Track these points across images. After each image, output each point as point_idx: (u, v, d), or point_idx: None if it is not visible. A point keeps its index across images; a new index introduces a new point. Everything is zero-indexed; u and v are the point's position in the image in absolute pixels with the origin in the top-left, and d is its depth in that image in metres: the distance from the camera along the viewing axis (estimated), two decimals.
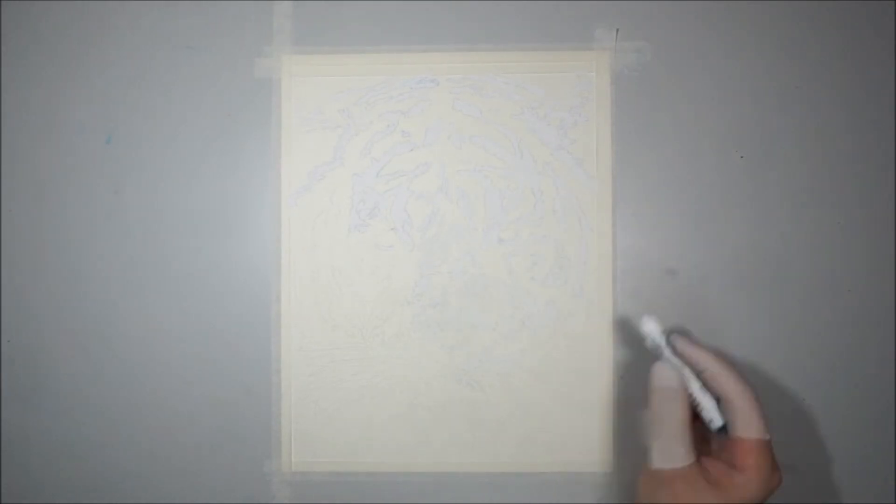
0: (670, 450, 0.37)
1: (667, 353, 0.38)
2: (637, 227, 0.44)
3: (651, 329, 0.39)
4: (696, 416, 0.37)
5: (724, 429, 0.37)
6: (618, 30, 0.45)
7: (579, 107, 0.44)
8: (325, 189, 0.44)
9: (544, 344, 0.44)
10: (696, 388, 0.37)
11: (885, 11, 0.44)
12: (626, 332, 0.44)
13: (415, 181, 0.44)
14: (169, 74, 0.45)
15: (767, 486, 0.36)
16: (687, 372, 0.38)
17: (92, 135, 0.45)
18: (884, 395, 0.44)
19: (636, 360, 0.44)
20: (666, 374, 0.38)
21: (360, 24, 0.45)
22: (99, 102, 0.45)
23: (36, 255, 0.45)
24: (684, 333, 0.39)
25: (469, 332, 0.44)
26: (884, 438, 0.44)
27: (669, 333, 0.39)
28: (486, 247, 0.44)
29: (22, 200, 0.45)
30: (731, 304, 0.44)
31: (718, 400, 0.37)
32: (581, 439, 0.44)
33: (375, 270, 0.44)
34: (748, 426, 0.36)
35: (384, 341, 0.44)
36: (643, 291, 0.44)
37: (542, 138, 0.44)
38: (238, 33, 0.45)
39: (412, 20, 0.45)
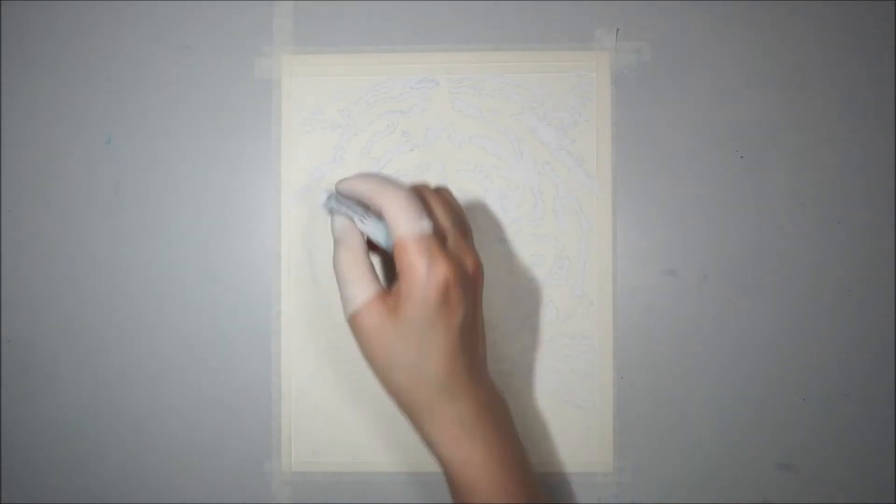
0: (346, 295, 0.35)
1: (334, 205, 0.36)
2: (637, 227, 0.44)
3: (322, 199, 0.36)
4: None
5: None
6: (618, 30, 0.45)
7: (579, 107, 0.44)
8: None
9: (544, 344, 0.44)
10: (363, 222, 0.35)
11: (885, 11, 0.44)
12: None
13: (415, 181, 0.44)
14: (169, 74, 0.45)
15: (432, 282, 0.32)
16: (356, 210, 0.35)
17: (92, 135, 0.45)
18: (884, 395, 0.44)
19: (636, 359, 0.44)
20: (335, 225, 0.36)
21: (361, 24, 0.45)
22: (99, 102, 0.45)
23: (36, 255, 0.45)
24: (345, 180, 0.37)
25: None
26: (884, 438, 0.44)
27: (332, 191, 0.37)
28: (486, 247, 0.44)
29: (22, 200, 0.45)
30: (731, 304, 0.44)
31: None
32: (581, 439, 0.44)
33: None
34: (397, 227, 0.33)
35: None
36: (643, 291, 0.44)
37: (542, 138, 0.44)
38: (238, 33, 0.45)
39: (412, 20, 0.45)
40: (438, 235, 0.34)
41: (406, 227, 0.33)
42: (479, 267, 0.35)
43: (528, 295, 0.44)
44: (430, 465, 0.44)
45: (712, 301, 0.44)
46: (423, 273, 0.32)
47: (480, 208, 0.44)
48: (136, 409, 0.45)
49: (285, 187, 0.44)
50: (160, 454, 0.44)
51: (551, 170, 0.44)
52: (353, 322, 0.35)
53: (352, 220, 0.36)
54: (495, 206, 0.44)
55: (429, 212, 0.34)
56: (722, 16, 0.44)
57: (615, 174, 0.44)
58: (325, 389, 0.44)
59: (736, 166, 0.44)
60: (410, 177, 0.44)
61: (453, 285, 0.33)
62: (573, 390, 0.44)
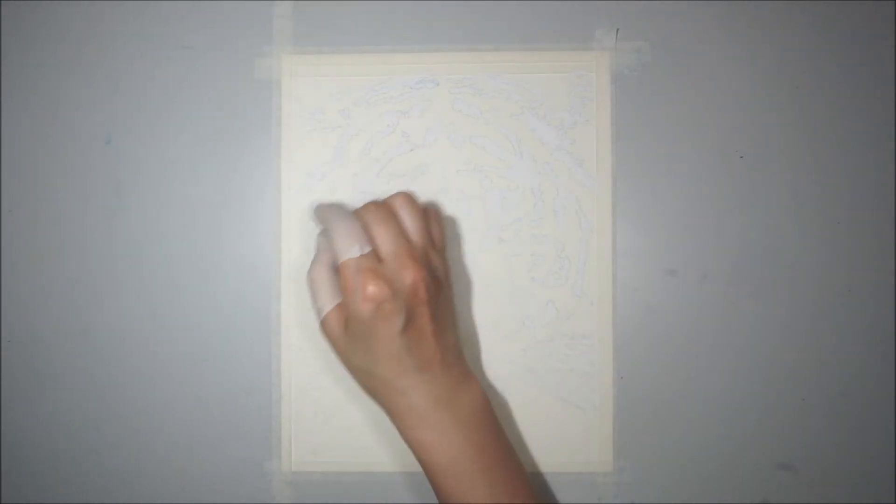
0: (315, 306, 0.39)
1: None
2: (637, 227, 0.44)
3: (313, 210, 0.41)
4: None
5: None
6: (618, 30, 0.45)
7: (579, 107, 0.44)
8: (325, 189, 0.44)
9: (544, 344, 0.44)
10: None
11: (885, 11, 0.44)
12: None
13: (415, 182, 0.44)
14: (169, 74, 0.45)
15: (361, 300, 0.36)
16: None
17: (92, 135, 0.45)
18: (884, 395, 0.44)
19: (636, 359, 0.44)
20: (317, 241, 0.41)
21: (360, 24, 0.45)
22: (99, 102, 0.45)
23: (36, 255, 0.45)
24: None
25: (469, 332, 0.44)
26: (884, 438, 0.44)
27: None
28: (486, 247, 0.44)
29: (22, 200, 0.45)
30: (730, 304, 0.44)
31: None
32: (581, 439, 0.44)
33: None
34: (337, 255, 0.37)
35: None
36: (643, 291, 0.44)
37: (542, 138, 0.44)
38: (238, 33, 0.45)
39: (412, 20, 0.45)
40: (374, 257, 0.37)
41: (342, 254, 0.37)
42: (421, 279, 0.37)
43: (528, 295, 0.44)
44: None
45: (712, 301, 0.44)
46: (354, 293, 0.37)
47: (480, 208, 0.44)
48: (136, 409, 0.45)
49: (285, 187, 0.44)
50: (160, 454, 0.44)
51: (551, 170, 0.44)
52: (321, 328, 0.39)
53: (322, 243, 0.40)
54: (495, 206, 0.44)
55: (369, 236, 0.38)
56: (722, 16, 0.44)
57: (615, 174, 0.44)
58: (325, 389, 0.44)
59: (736, 166, 0.44)
60: (410, 177, 0.44)
61: (384, 300, 0.36)
62: (573, 390, 0.44)
